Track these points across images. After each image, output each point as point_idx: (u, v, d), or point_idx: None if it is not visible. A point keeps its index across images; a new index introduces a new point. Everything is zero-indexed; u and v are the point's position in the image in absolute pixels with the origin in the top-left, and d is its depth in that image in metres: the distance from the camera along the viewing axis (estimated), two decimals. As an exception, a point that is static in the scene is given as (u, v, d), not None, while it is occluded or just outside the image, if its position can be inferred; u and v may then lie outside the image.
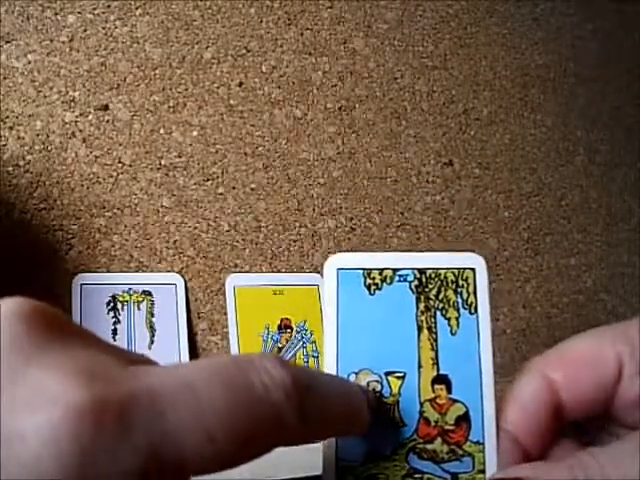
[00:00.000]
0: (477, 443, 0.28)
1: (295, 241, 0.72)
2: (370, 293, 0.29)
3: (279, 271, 0.70)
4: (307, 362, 0.66)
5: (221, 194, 0.70)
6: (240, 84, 0.72)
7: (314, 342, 0.67)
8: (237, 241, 0.70)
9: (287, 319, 0.67)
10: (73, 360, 0.19)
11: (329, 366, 0.29)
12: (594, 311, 0.85)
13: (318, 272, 0.71)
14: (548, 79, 0.87)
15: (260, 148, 0.72)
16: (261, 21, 0.73)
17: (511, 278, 0.81)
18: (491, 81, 0.84)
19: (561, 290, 0.84)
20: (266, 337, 0.65)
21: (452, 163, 0.80)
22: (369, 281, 0.29)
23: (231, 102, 0.71)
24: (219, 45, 0.71)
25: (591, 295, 0.86)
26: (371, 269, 0.29)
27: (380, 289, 0.29)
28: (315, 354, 0.67)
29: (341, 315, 0.29)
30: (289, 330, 0.66)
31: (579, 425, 0.29)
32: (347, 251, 0.73)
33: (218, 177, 0.70)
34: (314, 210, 0.73)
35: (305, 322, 0.67)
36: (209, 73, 0.70)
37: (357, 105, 0.76)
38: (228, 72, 0.71)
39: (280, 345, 0.66)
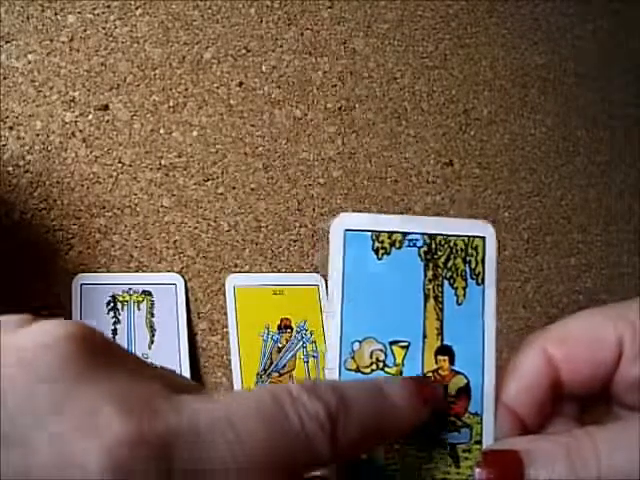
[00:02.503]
0: (475, 415, 0.28)
1: (295, 241, 0.72)
2: (378, 257, 0.28)
3: (279, 271, 0.70)
4: (307, 362, 0.66)
5: (221, 194, 0.70)
6: (240, 84, 0.72)
7: (314, 342, 0.67)
8: (237, 241, 0.70)
9: (287, 319, 0.67)
10: (119, 387, 0.19)
11: (332, 334, 0.28)
12: (594, 311, 0.85)
13: (318, 272, 0.71)
14: (548, 79, 0.87)
15: (260, 148, 0.72)
16: (261, 21, 0.73)
17: (511, 278, 0.81)
18: (491, 81, 0.84)
19: (561, 290, 0.84)
20: (266, 337, 0.65)
21: (452, 163, 0.80)
22: (377, 245, 0.28)
23: (231, 102, 0.71)
24: (219, 45, 0.71)
25: (591, 295, 0.86)
26: (380, 232, 0.28)
27: (389, 254, 0.28)
28: (315, 354, 0.67)
29: (347, 279, 0.28)
30: (289, 330, 0.66)
31: (579, 401, 0.29)
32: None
33: (218, 177, 0.70)
34: (314, 210, 0.73)
35: (305, 322, 0.67)
36: (209, 73, 0.70)
37: (357, 105, 0.76)
38: (228, 72, 0.71)
39: (280, 345, 0.66)
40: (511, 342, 0.79)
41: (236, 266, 0.69)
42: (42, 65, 0.65)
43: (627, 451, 0.24)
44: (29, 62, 0.65)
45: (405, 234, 0.28)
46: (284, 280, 0.69)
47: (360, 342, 0.28)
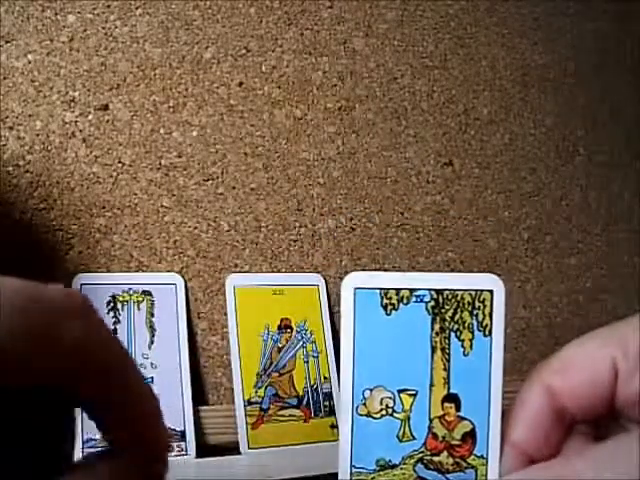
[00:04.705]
0: (481, 457, 0.29)
1: (295, 241, 0.72)
2: (387, 313, 0.30)
3: (279, 271, 0.71)
4: (307, 362, 0.66)
5: (221, 194, 0.70)
6: (240, 84, 0.72)
7: (314, 342, 0.67)
8: (237, 241, 0.70)
9: (287, 319, 0.67)
10: None
11: (345, 382, 0.30)
12: (594, 311, 0.85)
13: (318, 272, 0.71)
14: (548, 79, 0.87)
15: (260, 148, 0.72)
16: (261, 21, 0.73)
17: (511, 278, 0.81)
18: (491, 81, 0.84)
19: (561, 290, 0.84)
20: (266, 337, 0.65)
21: (452, 163, 0.80)
22: (386, 301, 0.30)
23: (231, 102, 0.71)
24: (219, 45, 0.71)
25: (591, 295, 0.86)
26: (388, 289, 0.30)
27: (396, 309, 0.30)
28: (315, 354, 0.67)
29: (357, 334, 0.30)
30: (289, 330, 0.66)
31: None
32: (347, 252, 0.73)
33: (218, 177, 0.70)
34: (314, 210, 0.73)
35: (305, 322, 0.67)
36: (209, 73, 0.70)
37: (357, 105, 0.76)
38: (228, 72, 0.71)
39: (280, 345, 0.66)
40: (513, 342, 0.79)
41: (236, 266, 0.69)
42: (42, 65, 0.65)
43: (611, 471, 0.25)
44: (29, 62, 0.65)
45: (412, 290, 0.30)
46: (284, 280, 0.69)
47: (371, 390, 0.30)
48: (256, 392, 0.63)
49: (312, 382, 0.66)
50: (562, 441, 0.29)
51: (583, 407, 0.29)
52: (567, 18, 0.89)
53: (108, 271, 0.65)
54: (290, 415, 0.64)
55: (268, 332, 0.66)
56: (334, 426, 0.65)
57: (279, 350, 0.66)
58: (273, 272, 0.70)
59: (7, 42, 0.64)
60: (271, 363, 0.65)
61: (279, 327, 0.66)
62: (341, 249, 0.73)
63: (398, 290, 0.30)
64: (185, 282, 0.66)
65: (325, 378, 0.66)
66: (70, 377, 0.22)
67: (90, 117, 0.66)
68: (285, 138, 0.73)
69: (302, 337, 0.67)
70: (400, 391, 0.30)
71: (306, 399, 0.65)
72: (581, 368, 0.29)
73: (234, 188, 0.70)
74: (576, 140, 0.87)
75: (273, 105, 0.73)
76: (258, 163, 0.71)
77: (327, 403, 0.66)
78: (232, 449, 0.62)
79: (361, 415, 0.30)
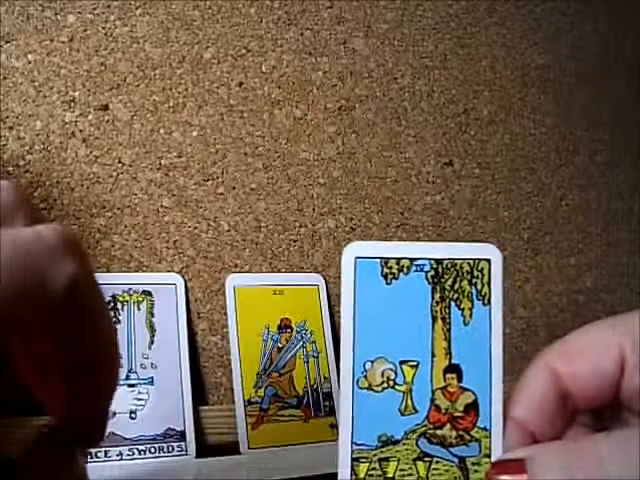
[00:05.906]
0: (484, 429, 0.29)
1: (295, 241, 0.72)
2: (387, 282, 0.30)
3: (279, 271, 0.70)
4: (307, 362, 0.66)
5: (221, 194, 0.70)
6: (240, 84, 0.72)
7: (314, 342, 0.67)
8: (237, 241, 0.70)
9: (287, 319, 0.67)
10: None
11: (345, 353, 0.29)
12: (594, 311, 0.85)
13: (318, 272, 0.71)
14: (548, 79, 0.87)
15: (260, 148, 0.72)
16: (261, 21, 0.73)
17: (511, 278, 0.81)
18: (491, 81, 0.83)
19: (561, 290, 0.84)
20: (266, 337, 0.65)
21: (452, 163, 0.80)
22: (386, 270, 0.30)
23: (231, 102, 0.71)
24: (219, 45, 0.71)
25: (591, 295, 0.86)
26: (388, 258, 0.30)
27: (397, 279, 0.30)
28: (315, 354, 0.67)
29: (358, 304, 0.30)
30: (289, 330, 0.66)
31: (593, 411, 0.30)
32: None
33: (218, 177, 0.70)
34: (314, 210, 0.73)
35: (305, 322, 0.67)
36: (209, 73, 0.70)
37: (357, 105, 0.76)
38: (228, 72, 0.71)
39: (280, 345, 0.66)
40: (513, 342, 0.79)
41: (236, 266, 0.69)
42: (42, 65, 0.65)
43: (629, 458, 0.24)
44: (29, 62, 0.65)
45: (413, 260, 0.30)
46: (284, 280, 0.69)
47: (372, 362, 0.29)
48: (256, 392, 0.63)
49: (312, 382, 0.66)
50: (563, 428, 0.29)
51: (586, 393, 0.28)
52: (567, 18, 0.89)
53: (108, 271, 0.65)
54: (290, 415, 0.64)
55: (268, 332, 0.66)
56: (334, 426, 0.65)
57: (279, 350, 0.66)
58: (273, 272, 0.70)
59: (7, 42, 0.64)
60: (271, 363, 0.65)
61: (279, 327, 0.66)
62: (341, 249, 0.73)
63: (398, 259, 0.30)
64: (185, 282, 0.66)
65: (325, 378, 0.66)
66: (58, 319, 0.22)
67: (90, 117, 0.66)
68: (285, 138, 0.73)
69: (302, 337, 0.67)
70: (402, 362, 0.29)
71: (306, 399, 0.65)
72: (586, 354, 0.28)
73: (234, 188, 0.70)
74: (576, 140, 0.87)
75: (273, 105, 0.73)
76: (258, 163, 0.71)
77: (327, 403, 0.66)
78: (232, 449, 0.62)
79: (362, 388, 0.29)
